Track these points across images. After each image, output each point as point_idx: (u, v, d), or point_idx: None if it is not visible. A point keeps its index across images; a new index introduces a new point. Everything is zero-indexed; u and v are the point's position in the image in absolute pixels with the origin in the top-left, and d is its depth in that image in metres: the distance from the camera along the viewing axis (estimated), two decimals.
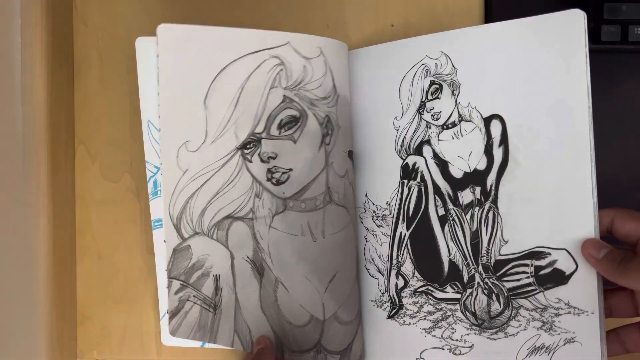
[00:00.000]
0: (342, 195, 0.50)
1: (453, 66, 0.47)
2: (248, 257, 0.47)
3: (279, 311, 0.48)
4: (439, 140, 0.48)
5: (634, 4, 0.50)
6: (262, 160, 0.47)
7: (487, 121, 0.46)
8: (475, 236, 0.46)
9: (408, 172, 0.49)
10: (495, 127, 0.45)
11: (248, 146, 0.47)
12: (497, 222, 0.45)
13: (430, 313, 0.48)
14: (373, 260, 0.50)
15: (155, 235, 0.51)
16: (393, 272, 0.49)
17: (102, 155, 0.55)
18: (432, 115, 0.48)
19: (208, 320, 0.47)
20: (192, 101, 0.46)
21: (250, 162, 0.47)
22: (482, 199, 0.46)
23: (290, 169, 0.48)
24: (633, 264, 0.38)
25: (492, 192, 0.45)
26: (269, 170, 0.48)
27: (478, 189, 0.46)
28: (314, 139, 0.49)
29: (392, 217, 0.49)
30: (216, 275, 0.47)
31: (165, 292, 0.47)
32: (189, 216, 0.46)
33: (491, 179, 0.45)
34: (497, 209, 0.45)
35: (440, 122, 0.48)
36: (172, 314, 0.46)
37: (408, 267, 0.49)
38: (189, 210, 0.46)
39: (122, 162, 0.55)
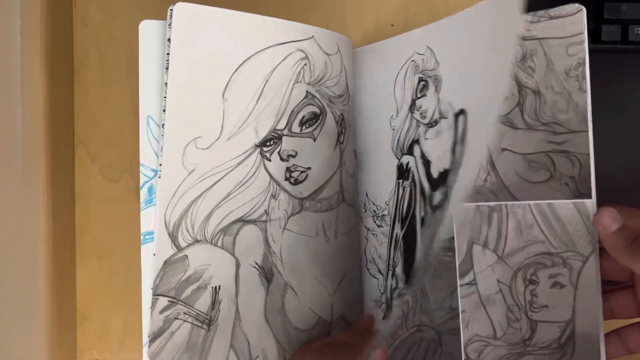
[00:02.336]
0: (352, 194, 0.50)
1: (436, 60, 0.45)
2: (256, 263, 0.45)
3: (285, 317, 0.46)
4: (425, 139, 0.46)
5: (634, 4, 0.50)
6: (281, 159, 0.45)
7: (456, 117, 0.43)
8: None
9: (402, 172, 0.48)
10: (461, 123, 0.42)
11: (268, 143, 0.45)
12: None
13: None
14: (374, 260, 0.50)
15: (144, 251, 0.43)
16: (390, 273, 0.49)
17: (102, 155, 0.55)
18: (420, 113, 0.46)
19: (199, 339, 0.42)
20: (208, 93, 0.42)
21: (269, 160, 0.45)
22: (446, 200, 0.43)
23: (309, 168, 0.46)
24: None
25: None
26: (288, 169, 0.46)
27: (445, 190, 0.44)
28: (331, 137, 0.48)
29: (390, 218, 0.49)
30: (215, 287, 0.43)
31: (148, 314, 0.41)
32: (190, 222, 0.42)
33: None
34: None
35: (427, 120, 0.45)
36: (155, 336, 0.41)
37: (400, 269, 0.48)
38: (191, 215, 0.42)
39: (122, 162, 0.55)
